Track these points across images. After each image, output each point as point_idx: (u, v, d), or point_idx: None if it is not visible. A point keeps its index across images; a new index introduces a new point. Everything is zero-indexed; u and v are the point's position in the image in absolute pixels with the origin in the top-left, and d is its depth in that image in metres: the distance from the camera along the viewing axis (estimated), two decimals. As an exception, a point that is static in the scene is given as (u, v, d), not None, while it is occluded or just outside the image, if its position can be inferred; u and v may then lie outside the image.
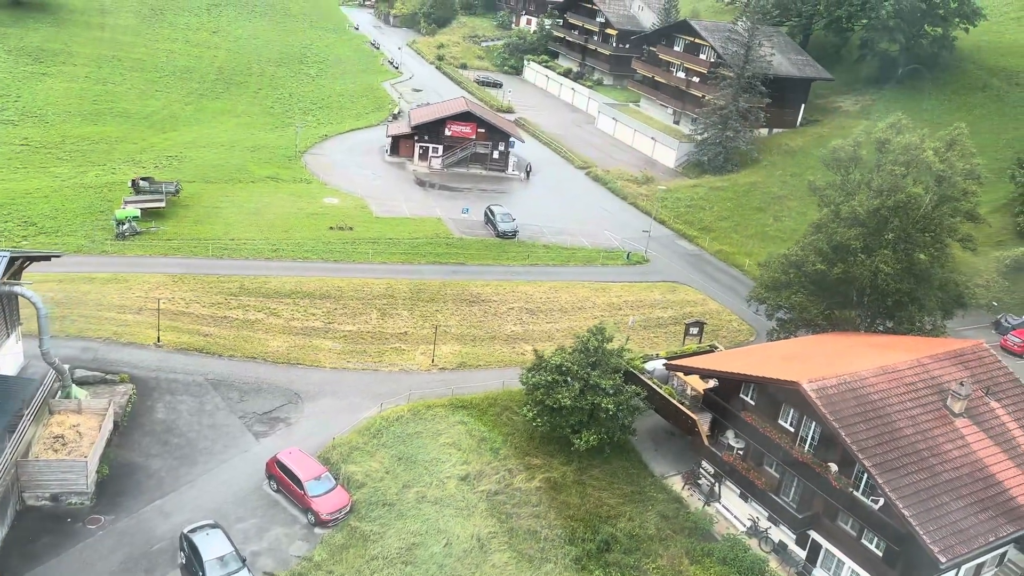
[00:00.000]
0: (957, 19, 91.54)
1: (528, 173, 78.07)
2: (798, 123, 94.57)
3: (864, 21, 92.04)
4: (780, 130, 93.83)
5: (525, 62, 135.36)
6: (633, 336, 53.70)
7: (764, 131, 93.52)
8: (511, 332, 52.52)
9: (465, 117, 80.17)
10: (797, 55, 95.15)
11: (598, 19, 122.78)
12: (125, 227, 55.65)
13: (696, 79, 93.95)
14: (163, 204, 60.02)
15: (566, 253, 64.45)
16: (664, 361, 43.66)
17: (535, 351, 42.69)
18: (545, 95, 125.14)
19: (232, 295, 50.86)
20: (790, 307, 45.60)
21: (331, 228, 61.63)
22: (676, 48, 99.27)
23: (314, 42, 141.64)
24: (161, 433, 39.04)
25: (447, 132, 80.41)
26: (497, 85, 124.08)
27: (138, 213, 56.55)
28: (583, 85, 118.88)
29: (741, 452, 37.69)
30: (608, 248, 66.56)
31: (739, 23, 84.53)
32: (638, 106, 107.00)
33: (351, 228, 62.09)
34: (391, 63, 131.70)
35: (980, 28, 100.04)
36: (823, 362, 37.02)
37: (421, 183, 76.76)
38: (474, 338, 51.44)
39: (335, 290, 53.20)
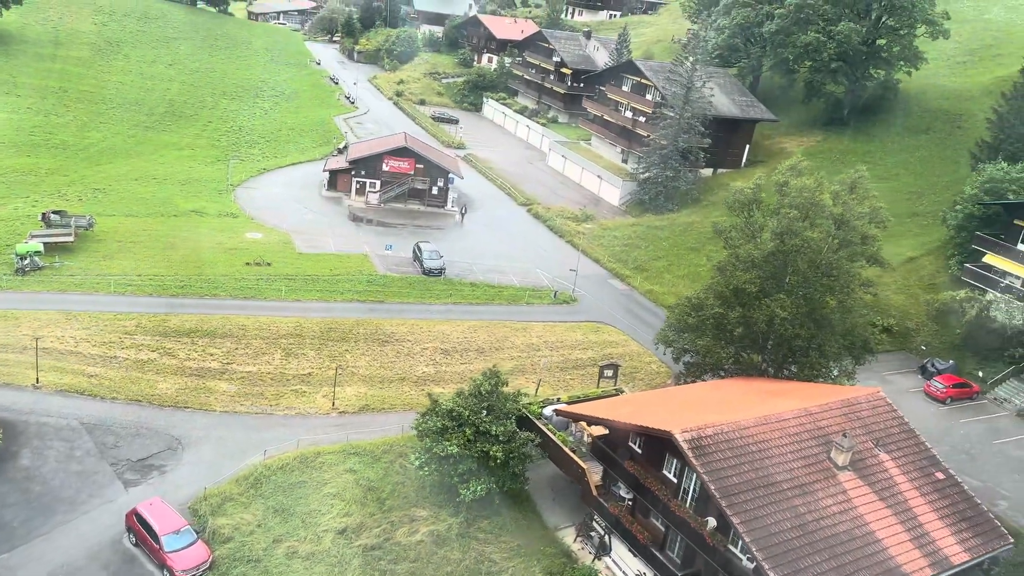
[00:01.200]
0: (900, 62, 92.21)
1: (463, 214, 76.68)
2: (743, 163, 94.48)
3: (808, 63, 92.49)
4: (725, 170, 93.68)
5: (484, 99, 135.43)
6: (549, 378, 52.32)
7: (709, 171, 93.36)
8: (422, 374, 50.92)
9: (403, 152, 79.25)
10: (742, 96, 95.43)
11: (554, 58, 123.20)
12: (26, 262, 53.81)
13: (642, 118, 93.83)
14: (71, 238, 58.29)
15: (492, 291, 63.16)
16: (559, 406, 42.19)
17: (429, 395, 41.15)
18: (502, 132, 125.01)
19: (127, 334, 48.99)
20: (696, 351, 44.39)
21: (247, 264, 60.03)
22: (624, 88, 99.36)
23: (272, 76, 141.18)
24: (22, 481, 36.96)
25: (385, 167, 79.41)
26: (453, 121, 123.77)
27: (41, 248, 54.74)
28: (537, 122, 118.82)
29: (630, 503, 36.13)
30: (537, 287, 65.36)
31: (681, 64, 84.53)
32: (589, 144, 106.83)
33: (268, 264, 60.55)
34: (347, 98, 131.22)
35: (927, 72, 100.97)
36: (713, 409, 35.70)
37: (355, 218, 75.50)
38: (382, 380, 49.78)
39: (239, 329, 51.47)
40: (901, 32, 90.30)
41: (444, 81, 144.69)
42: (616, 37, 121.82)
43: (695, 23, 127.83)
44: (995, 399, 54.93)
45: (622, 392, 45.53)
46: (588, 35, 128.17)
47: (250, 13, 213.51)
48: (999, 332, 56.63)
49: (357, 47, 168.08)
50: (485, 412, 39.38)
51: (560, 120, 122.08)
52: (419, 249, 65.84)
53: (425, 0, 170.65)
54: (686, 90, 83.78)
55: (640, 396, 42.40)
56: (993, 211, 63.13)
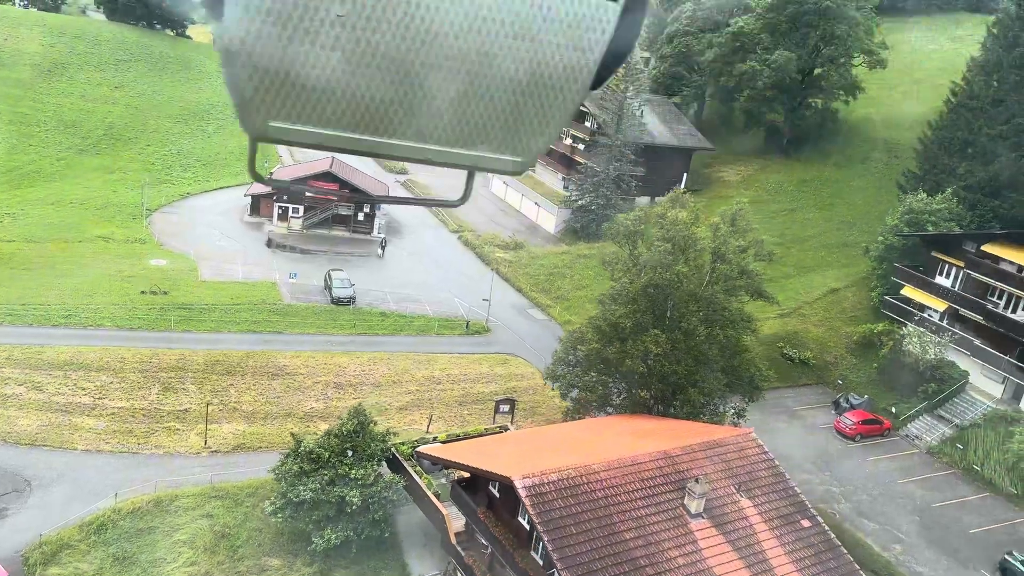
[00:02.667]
0: (838, 91, 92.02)
1: (383, 247, 74.53)
2: (682, 191, 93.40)
3: (745, 92, 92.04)
4: (662, 198, 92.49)
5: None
6: (446, 413, 50.42)
7: (646, 199, 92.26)
8: (310, 409, 48.81)
9: (327, 177, 77.48)
10: (679, 124, 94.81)
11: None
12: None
13: (581, 146, 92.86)
14: (-46, 265, 55.95)
15: (402, 322, 61.26)
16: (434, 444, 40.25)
17: (292, 435, 39.12)
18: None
19: (-7, 366, 46.62)
20: (581, 386, 42.67)
21: (142, 293, 57.79)
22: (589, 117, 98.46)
23: (222, 99, 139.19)
24: None
25: (308, 192, 77.48)
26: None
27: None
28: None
29: (489, 553, 34.12)
30: (451, 316, 63.51)
31: (612, 91, 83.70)
32: (533, 171, 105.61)
33: (166, 292, 58.32)
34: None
35: (869, 101, 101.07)
36: (575, 450, 33.91)
37: (272, 244, 73.47)
38: (265, 416, 47.62)
39: (118, 361, 49.17)
40: (839, 61, 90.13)
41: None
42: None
43: (646, 52, 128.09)
44: (906, 436, 53.55)
45: (507, 430, 43.62)
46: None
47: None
48: (912, 367, 55.42)
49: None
50: (349, 453, 37.41)
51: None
52: (329, 277, 63.90)
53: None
54: (617, 117, 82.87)
55: (518, 435, 40.59)
56: (913, 242, 62.25)
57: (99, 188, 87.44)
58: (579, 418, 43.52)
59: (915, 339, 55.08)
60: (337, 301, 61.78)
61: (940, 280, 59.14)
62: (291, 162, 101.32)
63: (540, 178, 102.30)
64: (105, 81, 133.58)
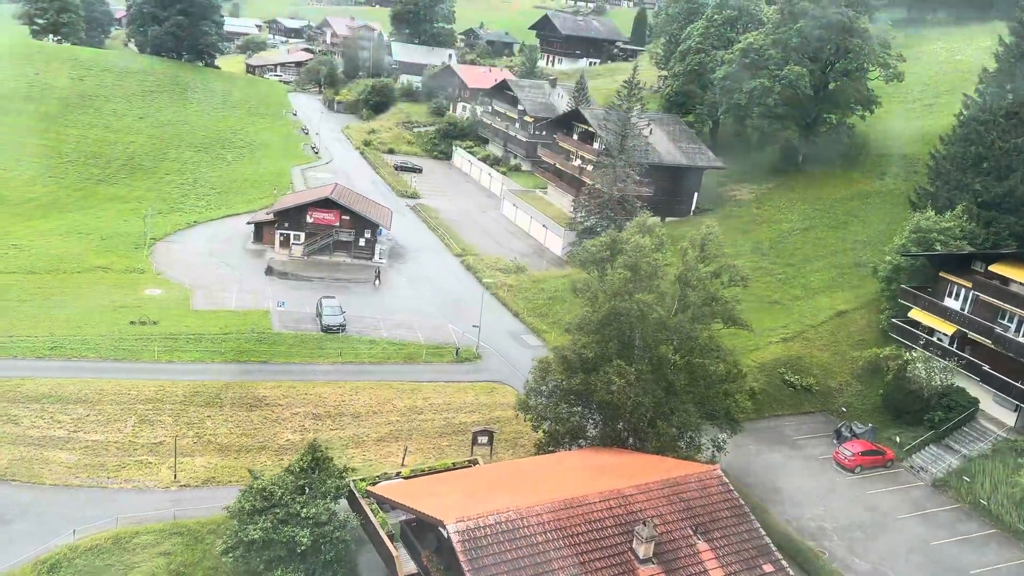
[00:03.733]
0: (855, 106, 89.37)
1: (378, 276, 73.35)
2: (692, 212, 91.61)
3: (756, 109, 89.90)
4: (673, 219, 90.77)
5: (454, 148, 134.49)
6: (424, 445, 49.31)
7: (656, 220, 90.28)
8: (286, 442, 48.06)
9: (327, 204, 77.50)
10: (690, 143, 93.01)
11: (518, 107, 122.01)
12: None
13: (589, 167, 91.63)
14: (-52, 298, 56.75)
15: (391, 349, 60.40)
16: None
17: (250, 471, 38.35)
18: (467, 180, 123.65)
19: (-30, 399, 46.84)
20: (553, 418, 41.15)
21: (131, 323, 57.93)
22: (573, 136, 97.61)
23: (245, 127, 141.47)
24: None
25: (309, 219, 77.64)
26: (416, 170, 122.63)
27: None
28: (497, 171, 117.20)
29: (439, 596, 32.71)
30: (443, 343, 62.48)
31: (615, 110, 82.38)
32: (545, 192, 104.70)
33: (155, 322, 58.41)
34: (313, 148, 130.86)
35: (889, 115, 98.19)
36: (529, 489, 32.43)
37: (271, 272, 73.43)
38: (239, 449, 46.99)
39: (96, 393, 49.08)
40: (854, 75, 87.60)
41: (415, 130, 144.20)
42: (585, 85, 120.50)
43: (663, 70, 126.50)
44: (910, 467, 50.78)
45: (476, 463, 42.24)
46: (553, 83, 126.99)
47: (248, 66, 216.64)
48: (917, 394, 52.71)
49: (337, 98, 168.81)
50: (306, 490, 36.47)
51: (524, 168, 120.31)
52: (320, 304, 63.45)
53: (405, 51, 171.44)
54: (621, 137, 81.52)
55: (479, 471, 39.15)
56: (921, 263, 59.57)
57: (111, 218, 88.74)
58: (551, 451, 41.98)
59: (920, 364, 52.37)
60: (327, 329, 61.23)
61: (949, 302, 56.31)
62: (303, 189, 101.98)
63: (551, 199, 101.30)
64: (130, 112, 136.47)
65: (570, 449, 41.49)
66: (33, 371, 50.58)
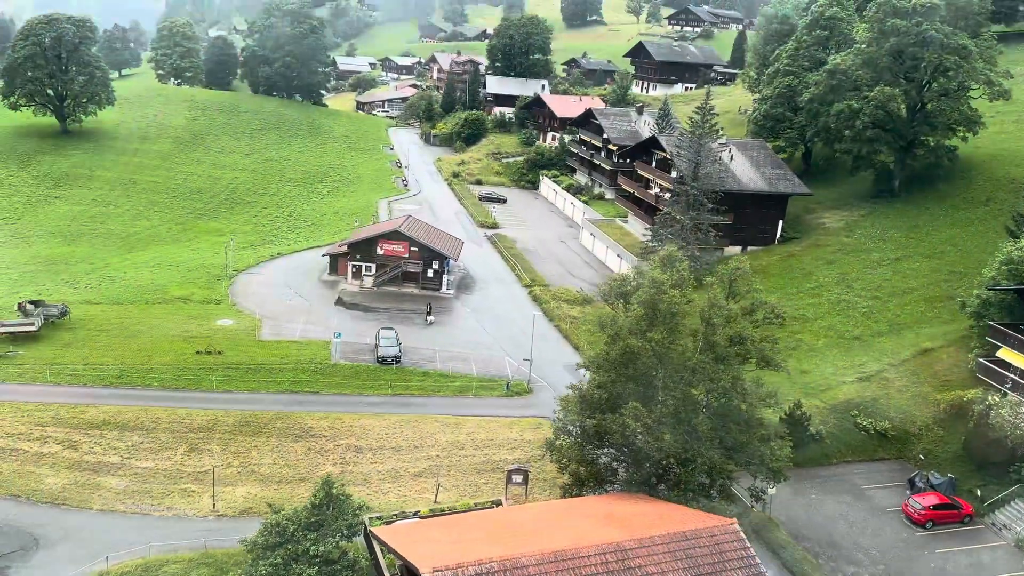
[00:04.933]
0: (957, 127, 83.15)
1: (430, 313, 72.32)
2: (776, 240, 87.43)
3: (846, 132, 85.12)
4: (757, 248, 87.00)
5: (541, 177, 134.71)
6: (460, 482, 48.64)
7: (737, 248, 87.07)
8: (325, 474, 48.33)
9: (395, 236, 78.81)
10: (774, 168, 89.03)
11: (603, 135, 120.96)
12: (-22, 352, 56.47)
13: (667, 195, 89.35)
14: (35, 328, 60.84)
15: (442, 382, 60.25)
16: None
17: (269, 505, 38.74)
18: (551, 209, 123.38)
19: (39, 425, 49.81)
20: (578, 460, 39.51)
21: (198, 352, 60.37)
22: (652, 164, 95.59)
23: (343, 161, 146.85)
24: None
25: (379, 251, 79.12)
26: (500, 200, 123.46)
27: (-7, 336, 57.37)
28: (580, 199, 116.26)
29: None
30: (496, 376, 61.82)
31: (688, 136, 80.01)
32: (626, 221, 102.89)
33: (220, 352, 60.63)
34: (403, 181, 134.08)
35: (997, 136, 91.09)
36: (534, 536, 31.07)
37: (341, 303, 75.12)
38: (280, 480, 47.79)
39: (152, 421, 51.23)
40: (954, 94, 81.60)
41: (504, 161, 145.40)
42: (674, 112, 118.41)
43: (755, 93, 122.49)
44: (992, 525, 45.77)
45: (499, 504, 41.10)
46: (640, 110, 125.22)
47: (358, 103, 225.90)
48: (1002, 442, 47.61)
49: (433, 131, 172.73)
50: (319, 527, 36.46)
51: (607, 196, 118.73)
52: (377, 335, 64.18)
53: (499, 84, 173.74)
54: (694, 164, 79.02)
55: (490, 514, 37.88)
56: (1014, 297, 54.24)
57: (204, 250, 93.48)
58: (576, 495, 40.33)
59: (1005, 410, 47.34)
60: (382, 360, 61.80)
61: (1043, 340, 50.85)
62: (386, 218, 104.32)
63: (630, 228, 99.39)
64: (238, 149, 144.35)
65: (595, 493, 39.72)
66: (97, 398, 53.39)
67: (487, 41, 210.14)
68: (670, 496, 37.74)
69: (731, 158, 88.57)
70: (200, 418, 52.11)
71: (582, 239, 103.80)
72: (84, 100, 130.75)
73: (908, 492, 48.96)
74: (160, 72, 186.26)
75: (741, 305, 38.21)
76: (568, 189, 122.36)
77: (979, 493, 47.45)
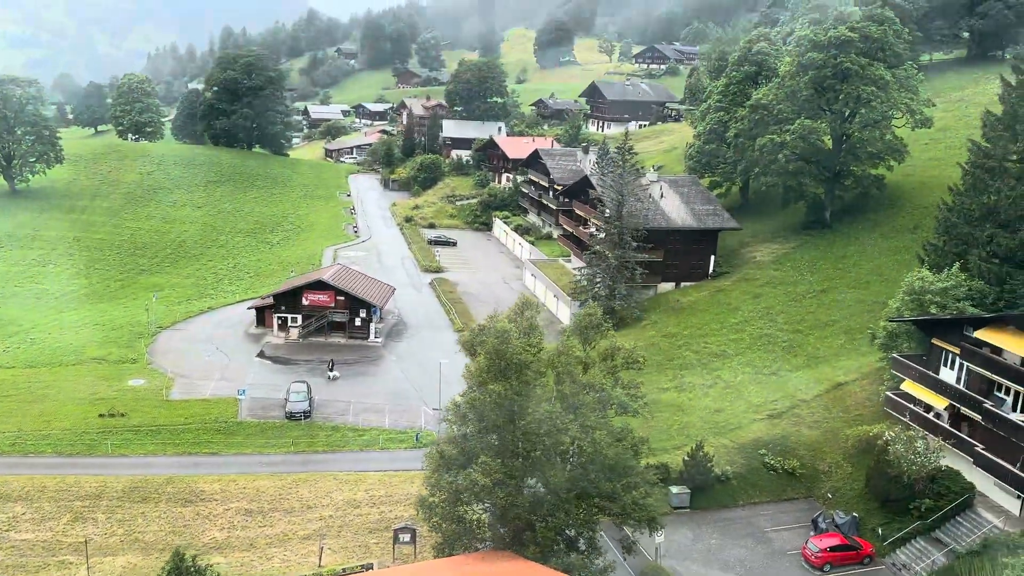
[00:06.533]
0: (882, 155, 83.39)
1: (331, 369, 70.09)
2: (709, 275, 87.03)
3: (772, 166, 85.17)
4: (690, 283, 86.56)
5: (494, 218, 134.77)
6: (351, 543, 47.20)
7: (670, 285, 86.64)
8: (210, 540, 47.02)
9: (320, 286, 78.11)
10: (704, 204, 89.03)
11: (550, 175, 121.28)
12: None
13: (602, 234, 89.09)
14: (-67, 396, 59.63)
15: (351, 436, 59.07)
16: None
17: (124, 577, 37.32)
18: (501, 251, 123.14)
19: (-84, 499, 48.35)
20: (446, 517, 38.29)
21: (101, 416, 59.11)
22: (587, 203, 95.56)
23: (298, 210, 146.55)
24: None
25: (304, 301, 78.32)
26: (450, 243, 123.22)
27: None
28: (527, 240, 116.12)
29: None
30: (407, 428, 60.67)
31: (606, 175, 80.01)
32: (568, 261, 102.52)
33: (123, 415, 59.39)
34: (354, 228, 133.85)
35: (925, 162, 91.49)
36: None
37: (263, 356, 74.08)
38: (163, 548, 46.08)
39: (38, 490, 49.84)
40: (878, 125, 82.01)
41: (458, 203, 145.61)
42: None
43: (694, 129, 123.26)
44: (892, 565, 44.65)
45: (370, 568, 39.77)
46: (586, 149, 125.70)
47: (327, 151, 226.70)
48: (899, 479, 46.68)
49: (392, 176, 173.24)
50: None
51: (555, 236, 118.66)
52: (288, 390, 63.08)
53: (456, 127, 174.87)
54: (618, 203, 78.93)
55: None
56: (912, 328, 53.71)
57: (138, 307, 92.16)
58: (448, 555, 39.03)
59: (900, 445, 46.46)
60: (290, 416, 60.66)
61: (944, 373, 50.17)
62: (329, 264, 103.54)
63: (571, 268, 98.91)
64: (191, 202, 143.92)
65: (467, 551, 38.46)
66: (-14, 468, 51.97)
67: (444, 86, 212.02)
68: (535, 553, 36.54)
69: (661, 195, 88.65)
70: (89, 485, 50.72)
71: (525, 280, 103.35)
72: (31, 159, 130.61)
73: (812, 533, 47.85)
74: (119, 128, 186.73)
75: (598, 351, 37.42)
76: (516, 229, 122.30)
77: (880, 532, 46.34)
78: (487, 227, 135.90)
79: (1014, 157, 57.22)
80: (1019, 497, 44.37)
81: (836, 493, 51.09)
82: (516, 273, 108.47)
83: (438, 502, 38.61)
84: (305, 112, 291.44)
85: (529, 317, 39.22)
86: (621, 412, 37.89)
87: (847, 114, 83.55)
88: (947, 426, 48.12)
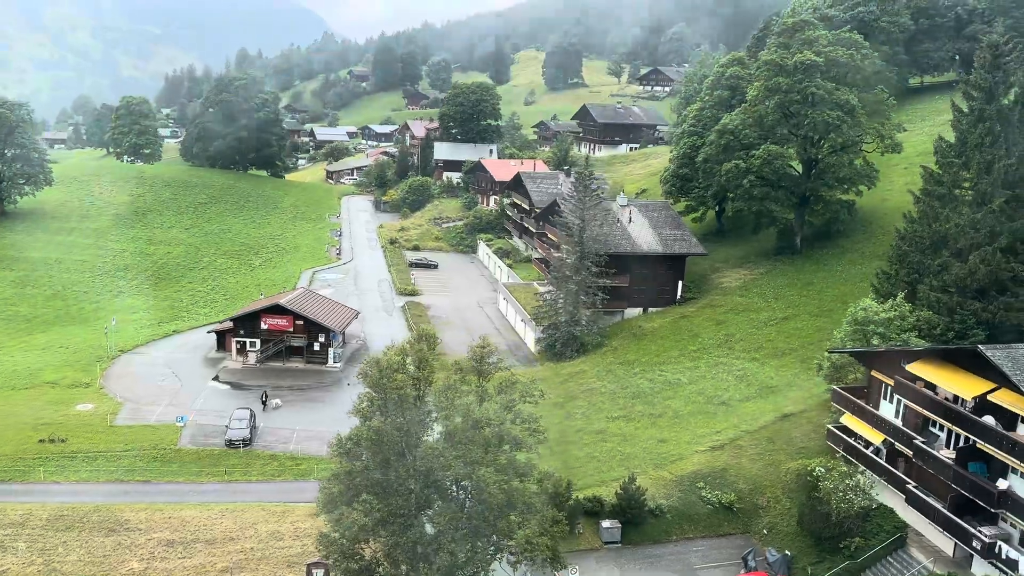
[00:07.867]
0: (853, 180, 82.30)
1: (265, 401, 67.73)
2: (677, 300, 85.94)
3: (738, 191, 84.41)
4: (657, 309, 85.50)
5: (479, 241, 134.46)
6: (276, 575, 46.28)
7: (637, 310, 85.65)
8: (127, 572, 46.29)
9: (279, 310, 77.81)
10: (672, 229, 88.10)
11: (531, 198, 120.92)
12: None
13: (571, 259, 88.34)
14: None
15: (288, 464, 58.37)
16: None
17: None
18: (483, 273, 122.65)
19: None
20: (346, 556, 37.43)
21: (40, 441, 58.81)
22: (557, 227, 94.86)
23: (285, 232, 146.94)
24: None
25: (263, 325, 78.00)
26: (432, 266, 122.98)
27: None
28: (505, 263, 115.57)
29: None
30: (349, 458, 59.78)
31: (567, 202, 79.44)
32: (543, 284, 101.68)
33: (63, 440, 59.06)
34: (337, 251, 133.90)
35: (901, 187, 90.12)
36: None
37: (217, 380, 73.68)
38: (79, 577, 45.66)
39: (-40, 518, 49.40)
40: (848, 149, 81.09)
41: (444, 226, 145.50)
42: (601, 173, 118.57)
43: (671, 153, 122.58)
44: (818, 607, 43.14)
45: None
46: (568, 173, 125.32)
47: (328, 172, 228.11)
48: (829, 516, 45.32)
49: (384, 198, 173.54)
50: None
51: (535, 258, 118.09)
52: (230, 417, 62.54)
53: (448, 150, 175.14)
54: (579, 228, 78.28)
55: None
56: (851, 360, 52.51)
57: (99, 332, 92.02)
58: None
59: (830, 481, 45.15)
60: (230, 444, 60.04)
61: (885, 407, 48.84)
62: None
63: (542, 291, 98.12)
64: (179, 223, 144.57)
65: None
66: (-87, 495, 51.69)
67: (438, 108, 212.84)
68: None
69: (630, 220, 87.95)
70: (14, 513, 50.25)
71: (499, 304, 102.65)
72: (21, 181, 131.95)
73: (741, 571, 46.49)
74: (117, 150, 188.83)
75: (492, 384, 36.66)
76: (497, 252, 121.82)
77: (809, 571, 44.93)
78: (472, 250, 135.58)
79: (966, 184, 56.17)
80: (951, 538, 42.85)
81: (772, 529, 49.69)
82: (493, 297, 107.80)
83: (338, 538, 37.82)
84: (311, 134, 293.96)
85: (420, 350, 38.41)
86: (516, 448, 36.90)
87: (815, 139, 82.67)
88: (883, 462, 46.75)
